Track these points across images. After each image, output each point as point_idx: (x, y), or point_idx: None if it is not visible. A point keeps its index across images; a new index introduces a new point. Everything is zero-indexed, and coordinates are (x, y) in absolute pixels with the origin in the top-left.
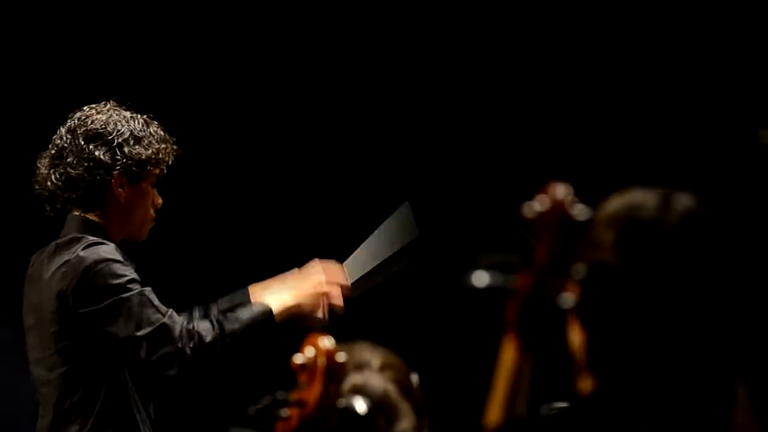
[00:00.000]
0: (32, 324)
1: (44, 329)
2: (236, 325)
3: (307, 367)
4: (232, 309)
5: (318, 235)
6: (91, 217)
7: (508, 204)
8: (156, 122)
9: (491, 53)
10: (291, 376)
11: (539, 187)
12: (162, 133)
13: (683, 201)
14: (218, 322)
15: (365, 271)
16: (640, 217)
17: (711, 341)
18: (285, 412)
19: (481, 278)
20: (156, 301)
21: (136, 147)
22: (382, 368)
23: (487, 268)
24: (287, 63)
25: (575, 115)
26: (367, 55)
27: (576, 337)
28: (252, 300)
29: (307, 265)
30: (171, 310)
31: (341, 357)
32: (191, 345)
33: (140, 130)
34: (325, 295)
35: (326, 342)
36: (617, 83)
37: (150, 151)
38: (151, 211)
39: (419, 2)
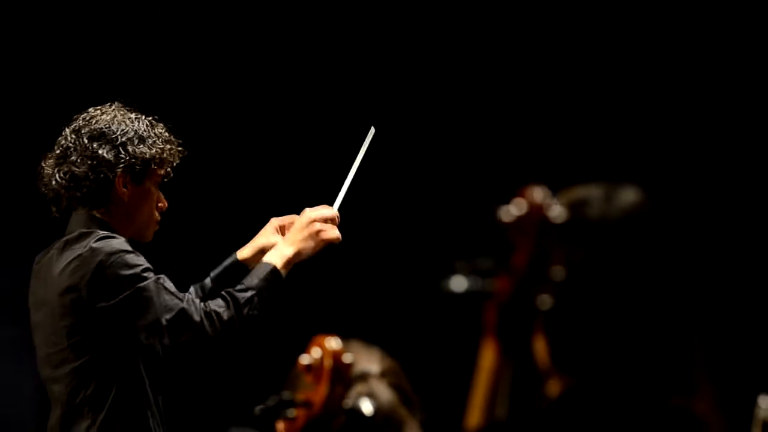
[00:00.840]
0: (39, 320)
1: (53, 325)
2: (248, 294)
3: (314, 368)
4: (231, 273)
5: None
6: (97, 214)
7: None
8: (161, 124)
9: (489, 54)
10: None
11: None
12: (167, 134)
13: (625, 196)
14: (230, 296)
15: (344, 193)
16: (582, 214)
17: (663, 333)
18: (291, 412)
19: (459, 283)
20: (172, 287)
21: (140, 146)
22: (383, 374)
23: (465, 273)
24: (287, 62)
25: (573, 115)
26: (363, 56)
27: (540, 342)
28: (242, 261)
29: (289, 216)
30: (188, 293)
31: (348, 358)
32: (211, 326)
33: (144, 130)
34: (319, 232)
35: (333, 343)
36: (616, 83)
37: (154, 151)
38: (156, 214)
39: (418, 3)
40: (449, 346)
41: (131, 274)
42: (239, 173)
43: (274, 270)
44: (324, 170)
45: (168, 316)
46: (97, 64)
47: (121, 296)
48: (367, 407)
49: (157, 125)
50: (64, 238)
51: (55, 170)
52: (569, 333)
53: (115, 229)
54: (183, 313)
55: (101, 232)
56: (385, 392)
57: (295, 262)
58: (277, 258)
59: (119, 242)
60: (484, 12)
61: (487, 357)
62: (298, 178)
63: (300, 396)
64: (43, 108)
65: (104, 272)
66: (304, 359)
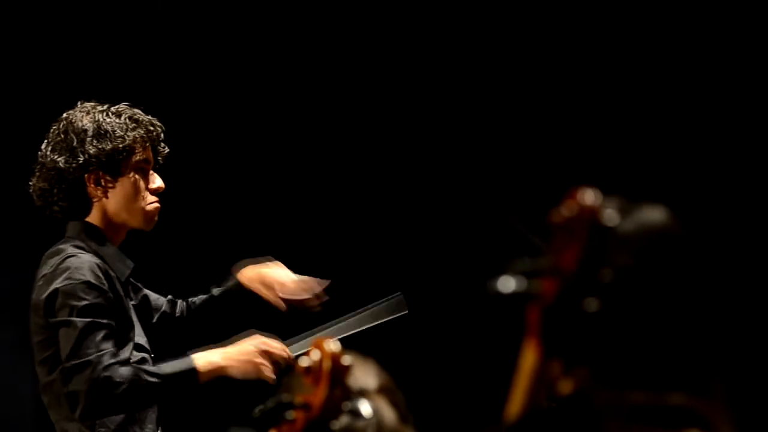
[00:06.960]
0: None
1: (33, 336)
2: (155, 378)
3: (313, 370)
4: (235, 296)
5: (324, 240)
6: (88, 220)
7: (511, 208)
8: (131, 109)
9: (491, 56)
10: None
11: (542, 187)
12: (136, 119)
13: (644, 216)
14: (141, 371)
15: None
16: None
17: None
18: (290, 414)
19: (506, 284)
20: (99, 337)
21: (101, 142)
22: (381, 391)
23: (512, 273)
24: (288, 63)
25: (573, 116)
26: (371, 60)
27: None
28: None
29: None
30: (110, 352)
31: (347, 360)
32: (100, 391)
33: (105, 123)
34: (260, 366)
35: (332, 345)
36: (617, 83)
37: (117, 142)
38: (148, 197)
39: (420, 6)
40: (492, 346)
41: (71, 305)
42: (241, 179)
43: (193, 371)
44: (343, 175)
45: (72, 362)
46: (99, 63)
47: (55, 320)
48: (366, 409)
49: (124, 111)
50: (49, 250)
51: (33, 189)
52: (597, 330)
53: (106, 233)
54: (84, 366)
55: (71, 250)
56: (387, 410)
57: (218, 375)
58: (204, 360)
59: (83, 268)
60: (505, 14)
61: (529, 358)
62: (301, 182)
63: (299, 398)
64: (41, 110)
65: (57, 293)
66: (303, 361)
